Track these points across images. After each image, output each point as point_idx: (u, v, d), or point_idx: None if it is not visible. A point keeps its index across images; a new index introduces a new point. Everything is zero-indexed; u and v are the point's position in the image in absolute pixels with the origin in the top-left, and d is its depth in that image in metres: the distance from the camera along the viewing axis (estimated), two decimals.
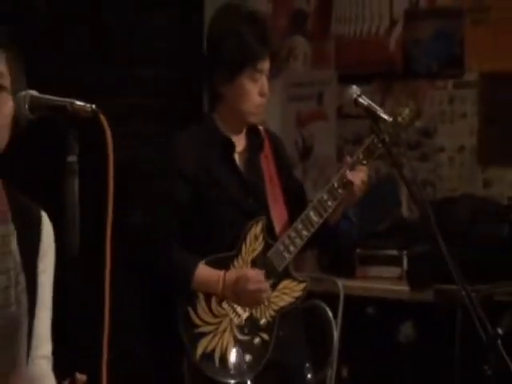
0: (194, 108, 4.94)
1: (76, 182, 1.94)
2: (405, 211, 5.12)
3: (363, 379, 4.57)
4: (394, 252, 4.67)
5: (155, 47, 5.31)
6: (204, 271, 3.00)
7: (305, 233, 3.11)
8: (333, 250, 4.50)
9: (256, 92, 3.07)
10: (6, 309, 2.09)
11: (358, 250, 4.73)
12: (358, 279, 4.71)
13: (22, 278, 2.14)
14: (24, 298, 2.13)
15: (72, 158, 1.94)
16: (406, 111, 3.25)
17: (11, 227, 2.15)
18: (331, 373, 4.13)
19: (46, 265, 2.23)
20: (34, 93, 2.01)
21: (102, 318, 1.88)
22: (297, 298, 3.17)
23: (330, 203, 3.13)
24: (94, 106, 1.98)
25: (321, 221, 3.12)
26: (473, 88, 5.10)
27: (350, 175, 3.13)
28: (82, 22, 4.92)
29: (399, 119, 3.21)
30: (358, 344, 4.46)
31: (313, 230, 3.11)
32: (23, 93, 2.01)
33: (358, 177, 3.14)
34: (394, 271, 4.66)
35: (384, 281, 4.64)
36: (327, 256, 4.79)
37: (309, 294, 4.23)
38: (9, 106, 2.11)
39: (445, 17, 5.18)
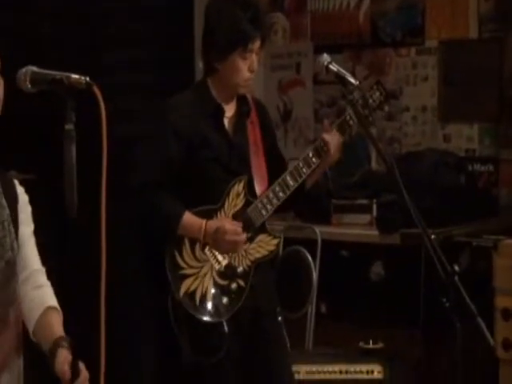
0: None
1: (73, 148, 1.92)
2: (374, 165, 5.12)
3: (340, 314, 4.56)
4: (365, 201, 4.64)
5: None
6: (189, 218, 2.99)
7: (281, 194, 3.09)
8: (306, 209, 4.48)
9: (246, 68, 3.04)
10: (3, 255, 2.14)
11: (334, 200, 4.71)
12: (333, 226, 4.67)
13: (12, 228, 2.17)
14: (16, 245, 2.17)
15: (69, 126, 1.93)
16: (377, 94, 3.23)
17: None
18: (311, 309, 4.14)
19: (24, 218, 2.25)
20: (34, 68, 1.99)
21: (100, 272, 1.86)
22: (271, 252, 3.14)
23: (304, 170, 3.12)
24: (87, 79, 1.96)
25: (296, 185, 3.11)
26: (433, 54, 5.06)
27: (326, 137, 3.12)
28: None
29: (370, 101, 3.18)
30: (334, 283, 4.47)
31: (288, 192, 3.10)
32: (24, 69, 1.98)
33: (334, 138, 3.13)
34: (365, 218, 4.64)
35: (356, 227, 4.61)
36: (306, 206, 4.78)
37: (290, 241, 4.25)
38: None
39: None
